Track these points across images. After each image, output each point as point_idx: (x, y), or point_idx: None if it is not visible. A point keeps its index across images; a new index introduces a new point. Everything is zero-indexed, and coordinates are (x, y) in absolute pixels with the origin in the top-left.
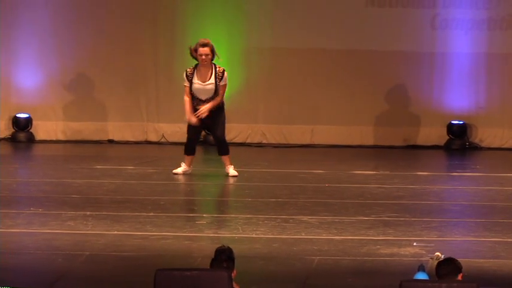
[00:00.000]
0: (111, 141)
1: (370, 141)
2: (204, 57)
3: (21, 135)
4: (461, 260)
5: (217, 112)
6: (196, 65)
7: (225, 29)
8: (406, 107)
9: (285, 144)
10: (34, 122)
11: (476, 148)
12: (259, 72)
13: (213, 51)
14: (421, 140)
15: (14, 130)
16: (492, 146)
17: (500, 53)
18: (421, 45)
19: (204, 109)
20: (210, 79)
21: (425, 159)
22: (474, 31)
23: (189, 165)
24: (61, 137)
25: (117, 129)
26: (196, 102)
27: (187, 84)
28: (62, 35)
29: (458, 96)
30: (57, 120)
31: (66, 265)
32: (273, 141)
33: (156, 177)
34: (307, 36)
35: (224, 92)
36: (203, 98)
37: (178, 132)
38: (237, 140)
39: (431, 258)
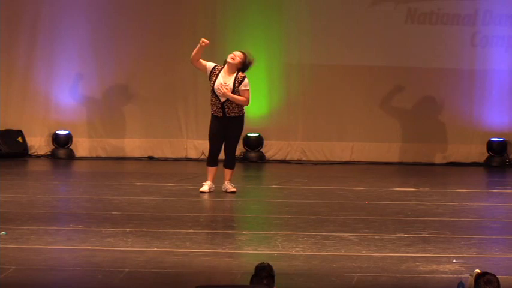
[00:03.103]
0: (151, 158)
1: (410, 158)
2: (232, 56)
3: (61, 152)
4: (501, 277)
5: (237, 123)
6: (224, 65)
7: (265, 45)
8: (446, 124)
9: (324, 161)
10: (74, 139)
11: None
12: (298, 89)
13: (243, 60)
14: (461, 157)
15: (54, 147)
16: None
17: None
18: (461, 62)
19: (228, 91)
20: (229, 80)
21: (465, 176)
22: None
23: (212, 179)
24: (101, 154)
25: (157, 146)
26: (215, 101)
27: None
28: (102, 52)
29: (498, 113)
30: (97, 137)
31: (105, 282)
32: (313, 158)
33: (196, 194)
34: (347, 53)
35: (249, 97)
36: (222, 99)
37: None
38: (277, 157)
39: (470, 275)
